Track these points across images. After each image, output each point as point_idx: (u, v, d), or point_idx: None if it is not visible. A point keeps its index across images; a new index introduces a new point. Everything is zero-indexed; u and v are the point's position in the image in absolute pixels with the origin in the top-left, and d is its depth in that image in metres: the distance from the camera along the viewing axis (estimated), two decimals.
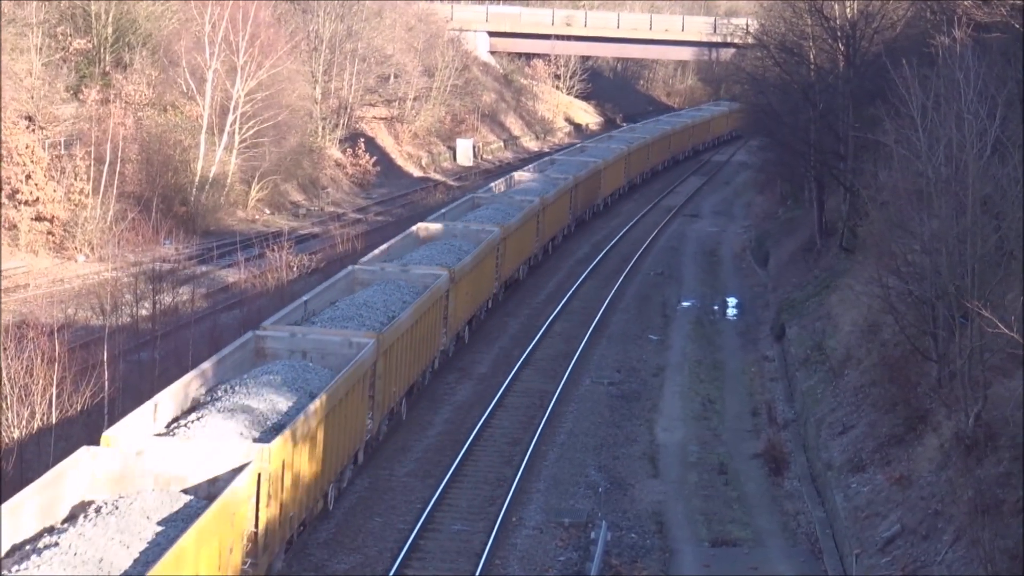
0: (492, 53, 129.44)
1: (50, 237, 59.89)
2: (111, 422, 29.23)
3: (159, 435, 27.43)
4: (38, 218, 59.55)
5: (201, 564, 22.50)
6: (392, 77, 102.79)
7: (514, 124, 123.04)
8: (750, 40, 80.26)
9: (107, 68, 73.01)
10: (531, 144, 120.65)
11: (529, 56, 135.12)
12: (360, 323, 37.17)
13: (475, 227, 52.56)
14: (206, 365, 31.10)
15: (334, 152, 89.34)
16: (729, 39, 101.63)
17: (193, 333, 43.51)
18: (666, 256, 70.39)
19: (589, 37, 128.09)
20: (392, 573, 29.04)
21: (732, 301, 60.47)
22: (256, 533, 25.95)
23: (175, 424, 28.45)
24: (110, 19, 73.30)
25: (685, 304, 58.80)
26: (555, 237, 66.94)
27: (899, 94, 33.81)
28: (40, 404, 32.11)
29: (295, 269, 54.90)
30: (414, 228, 52.11)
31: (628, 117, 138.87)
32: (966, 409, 29.30)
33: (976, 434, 28.74)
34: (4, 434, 31.39)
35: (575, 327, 52.12)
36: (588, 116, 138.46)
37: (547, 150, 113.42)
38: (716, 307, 58.89)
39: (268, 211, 75.53)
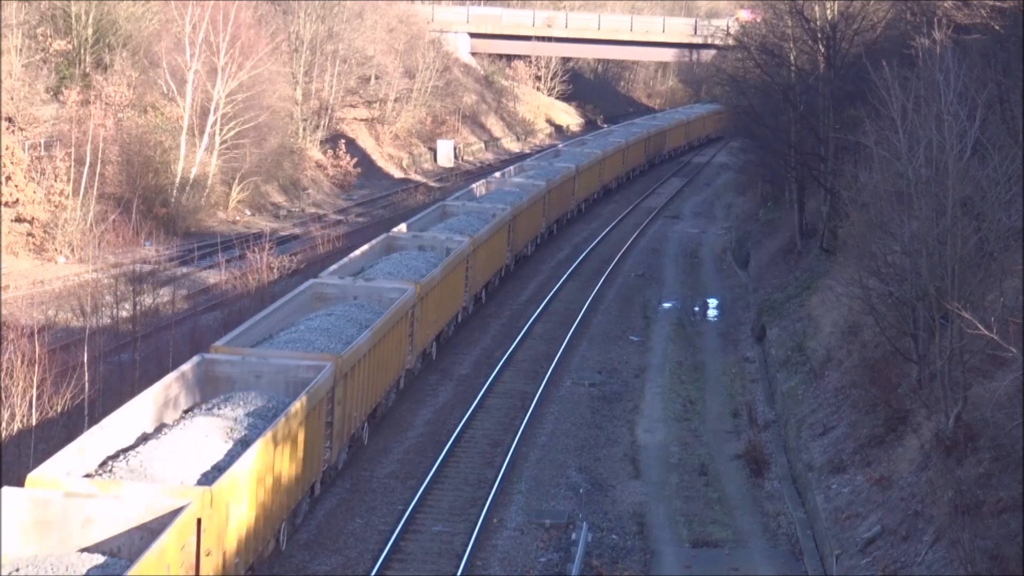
0: (473, 54, 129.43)
1: (30, 239, 59.71)
2: (92, 424, 29.20)
3: (254, 347, 33.80)
4: (18, 219, 59.39)
5: (297, 440, 28.88)
6: (373, 78, 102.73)
7: (495, 125, 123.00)
8: (731, 42, 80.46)
9: (87, 69, 72.81)
10: (512, 145, 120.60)
11: (510, 57, 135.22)
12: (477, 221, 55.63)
13: (558, 166, 78.21)
14: (278, 303, 38.45)
15: (315, 153, 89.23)
16: (710, 40, 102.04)
17: (174, 334, 43.42)
18: (647, 257, 70.41)
19: (570, 38, 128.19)
20: (373, 574, 29.04)
21: (713, 302, 60.50)
22: (331, 423, 32.04)
23: (262, 342, 34.99)
24: (90, 20, 73.07)
25: (666, 305, 58.83)
26: (613, 179, 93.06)
27: (879, 95, 33.85)
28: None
29: (276, 270, 54.80)
30: (522, 164, 79.46)
31: (609, 118, 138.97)
32: (946, 410, 29.37)
33: (956, 435, 28.80)
34: None
35: (556, 328, 52.11)
36: (569, 117, 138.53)
37: (528, 151, 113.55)
38: (697, 308, 58.92)
39: (249, 212, 75.43)
